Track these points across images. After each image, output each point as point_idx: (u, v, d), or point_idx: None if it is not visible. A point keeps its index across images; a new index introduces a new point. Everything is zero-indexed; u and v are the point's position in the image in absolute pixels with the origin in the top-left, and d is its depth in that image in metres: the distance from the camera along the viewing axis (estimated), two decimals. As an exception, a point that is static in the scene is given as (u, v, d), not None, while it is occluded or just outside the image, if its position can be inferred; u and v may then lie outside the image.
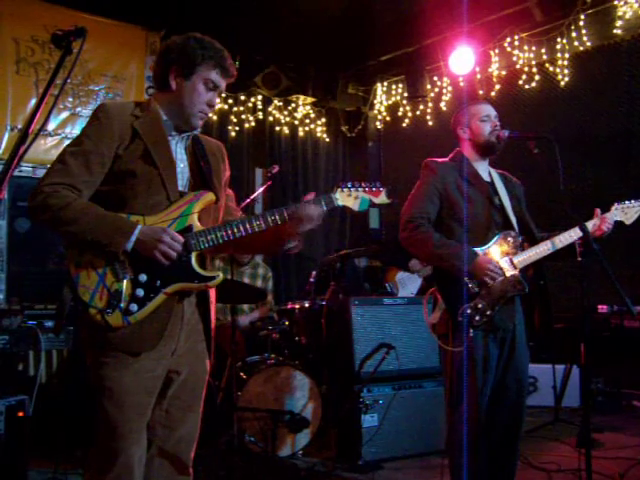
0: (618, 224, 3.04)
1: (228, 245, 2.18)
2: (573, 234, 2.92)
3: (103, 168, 2.09)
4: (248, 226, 2.13)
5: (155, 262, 2.03)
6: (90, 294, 2.01)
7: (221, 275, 2.15)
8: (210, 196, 2.18)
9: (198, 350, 2.23)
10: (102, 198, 2.09)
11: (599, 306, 5.32)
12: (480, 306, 2.83)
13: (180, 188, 2.16)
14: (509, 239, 2.94)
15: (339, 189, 2.21)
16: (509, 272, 2.89)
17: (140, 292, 2.03)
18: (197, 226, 2.12)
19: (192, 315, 2.20)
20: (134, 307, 2.02)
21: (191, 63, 2.14)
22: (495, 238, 2.94)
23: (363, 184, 2.23)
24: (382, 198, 2.25)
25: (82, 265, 2.03)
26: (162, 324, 2.07)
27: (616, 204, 3.05)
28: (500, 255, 2.91)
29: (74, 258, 2.04)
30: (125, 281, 2.03)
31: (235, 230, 2.12)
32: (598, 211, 3.02)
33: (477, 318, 2.81)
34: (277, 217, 2.14)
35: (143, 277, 2.05)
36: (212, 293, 2.27)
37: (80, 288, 2.01)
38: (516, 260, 2.91)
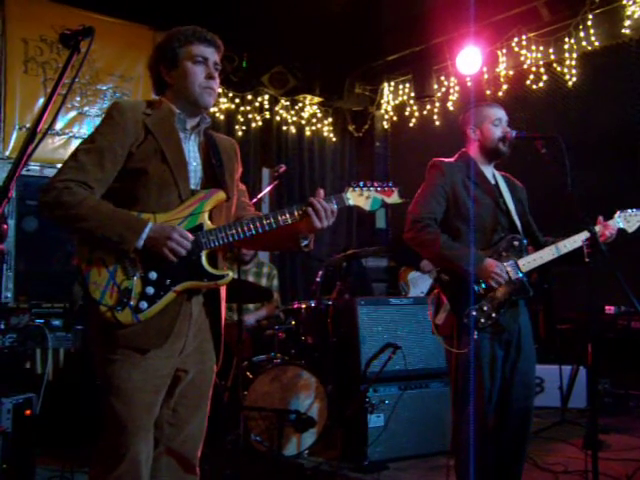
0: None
1: (241, 242, 2.18)
2: (577, 239, 2.90)
3: (116, 166, 2.10)
4: (259, 224, 2.13)
5: (165, 260, 2.04)
6: (101, 291, 2.02)
7: (230, 274, 2.16)
8: (221, 194, 2.19)
9: (205, 349, 2.24)
10: (114, 195, 2.11)
11: (606, 307, 5.30)
12: (486, 308, 2.83)
13: (192, 186, 2.18)
14: (515, 242, 2.94)
15: (350, 188, 2.19)
16: (514, 275, 2.88)
17: (150, 290, 2.04)
18: (208, 224, 2.14)
19: (200, 314, 2.20)
20: (144, 305, 2.03)
21: (172, 52, 2.20)
22: (501, 241, 2.93)
23: (375, 184, 2.21)
24: (394, 198, 2.23)
25: (93, 262, 2.04)
26: (171, 322, 2.08)
27: (619, 212, 3.04)
28: (506, 258, 2.90)
29: (85, 255, 2.06)
30: (135, 279, 2.04)
31: (245, 229, 2.13)
32: (601, 218, 3.00)
33: (482, 320, 2.81)
34: (287, 216, 2.15)
35: (153, 275, 2.06)
36: (222, 292, 2.27)
37: (91, 285, 2.03)
38: (521, 263, 2.90)
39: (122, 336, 2.03)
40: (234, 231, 2.12)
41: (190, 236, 2.07)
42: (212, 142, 2.30)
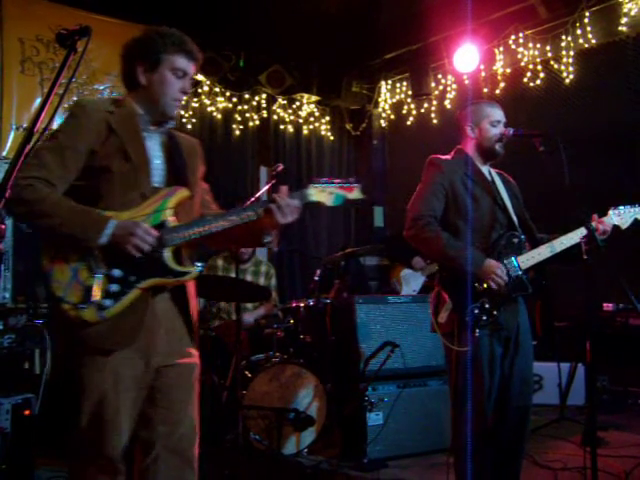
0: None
1: (204, 239, 2.19)
2: (574, 236, 2.91)
3: (78, 163, 2.10)
4: (222, 222, 2.16)
5: (130, 257, 2.04)
6: (64, 289, 2.01)
7: (195, 270, 2.17)
8: (185, 192, 2.19)
9: (183, 344, 2.23)
10: (78, 193, 2.10)
11: (604, 304, 5.30)
12: (487, 306, 2.83)
13: (155, 184, 2.18)
14: (514, 239, 2.94)
15: (312, 185, 2.23)
16: (513, 273, 2.88)
17: (114, 287, 2.04)
18: (171, 222, 2.14)
19: (168, 311, 2.19)
20: (108, 302, 2.02)
21: (154, 55, 2.17)
22: (500, 238, 2.93)
23: (336, 180, 2.25)
24: (356, 194, 2.26)
25: (56, 260, 2.04)
26: (137, 320, 2.07)
27: (612, 208, 3.05)
28: (505, 255, 2.91)
29: (48, 253, 2.05)
30: (99, 276, 2.03)
31: (209, 226, 2.15)
32: (595, 216, 3.01)
33: (484, 318, 2.81)
34: (251, 213, 2.17)
35: (117, 272, 2.05)
36: (191, 287, 2.27)
37: (54, 283, 2.02)
38: (520, 261, 2.90)
39: (88, 337, 2.02)
40: (198, 228, 2.14)
41: (154, 232, 2.07)
42: (174, 141, 2.31)
